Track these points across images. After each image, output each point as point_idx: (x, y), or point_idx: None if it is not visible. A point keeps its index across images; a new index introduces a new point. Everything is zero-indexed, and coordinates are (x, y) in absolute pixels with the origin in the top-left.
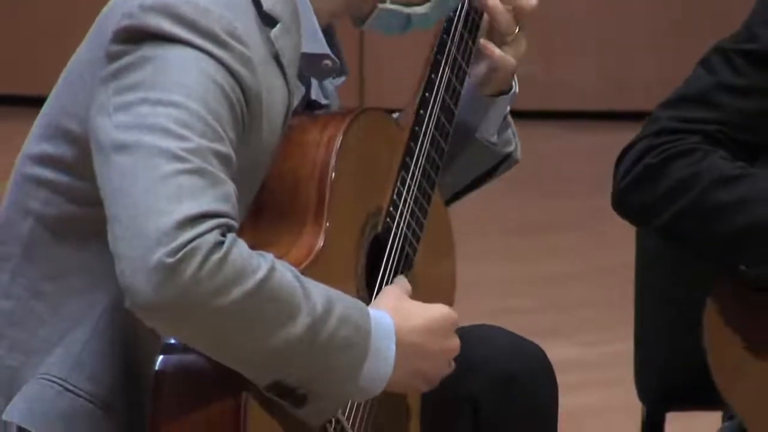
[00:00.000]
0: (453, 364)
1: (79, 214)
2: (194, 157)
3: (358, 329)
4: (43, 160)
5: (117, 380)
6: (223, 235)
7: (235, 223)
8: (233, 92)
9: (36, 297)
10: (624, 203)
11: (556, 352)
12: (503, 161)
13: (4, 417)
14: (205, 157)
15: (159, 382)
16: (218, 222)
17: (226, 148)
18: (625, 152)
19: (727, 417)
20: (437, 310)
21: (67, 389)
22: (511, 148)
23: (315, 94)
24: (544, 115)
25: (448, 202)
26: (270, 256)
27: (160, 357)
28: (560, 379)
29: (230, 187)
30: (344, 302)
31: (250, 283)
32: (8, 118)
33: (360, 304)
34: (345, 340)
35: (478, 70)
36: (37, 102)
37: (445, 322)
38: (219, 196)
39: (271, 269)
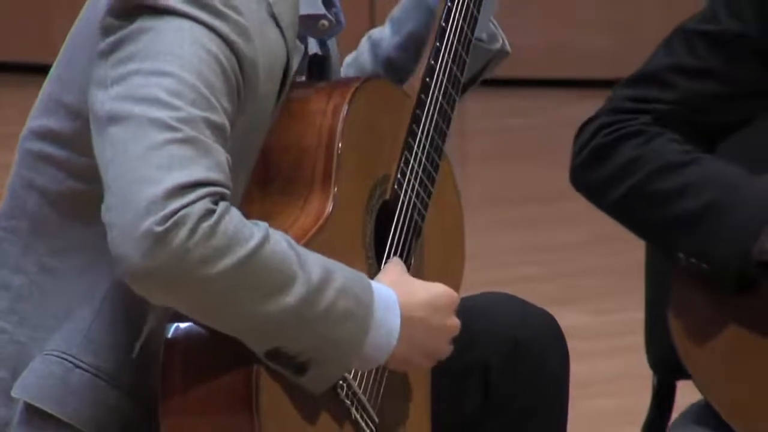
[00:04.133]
0: (451, 345)
1: (81, 191)
2: (185, 126)
3: (359, 301)
4: (45, 134)
5: (125, 355)
6: (215, 203)
7: (227, 192)
8: (228, 62)
9: (44, 272)
10: (577, 180)
11: (566, 320)
12: (492, 58)
13: (12, 394)
14: (197, 127)
15: (168, 351)
16: (209, 190)
17: (219, 118)
18: (582, 128)
19: None
20: (439, 288)
21: (76, 365)
22: (498, 44)
23: (313, 48)
24: (555, 84)
25: None
26: (264, 224)
27: (169, 326)
28: (570, 347)
29: (223, 156)
30: (344, 274)
31: (241, 251)
32: (19, 86)
33: (362, 276)
34: (344, 311)
35: None
36: (44, 70)
37: (447, 300)
38: (210, 165)
39: (265, 238)
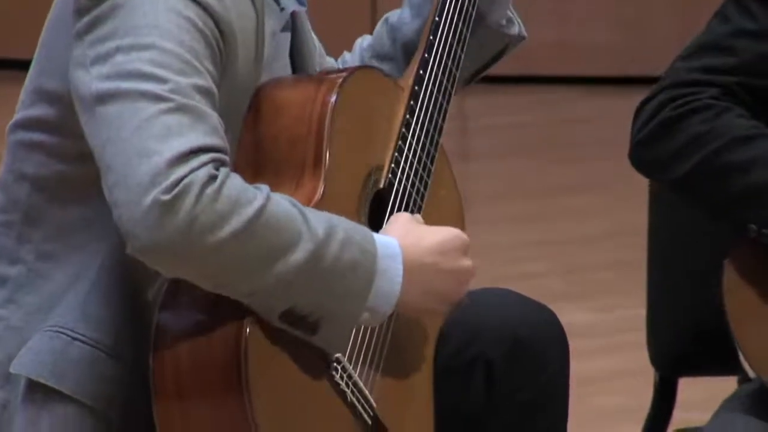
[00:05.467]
0: (467, 288)
1: (72, 172)
2: (175, 95)
3: (364, 251)
4: (31, 124)
5: (123, 327)
6: (217, 169)
7: (226, 157)
8: (206, 26)
9: (42, 258)
10: (639, 156)
11: (567, 317)
12: (510, 42)
13: (11, 370)
14: (187, 94)
15: (159, 332)
16: (210, 156)
17: (206, 82)
18: (643, 104)
19: (743, 380)
20: (448, 231)
21: (74, 338)
22: (515, 29)
23: (292, 6)
24: (559, 80)
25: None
26: (266, 187)
27: (159, 308)
28: (572, 343)
29: (216, 120)
30: (346, 226)
31: (247, 213)
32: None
33: (363, 227)
34: (350, 263)
35: None
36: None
37: (457, 243)
38: (206, 130)
39: (268, 199)
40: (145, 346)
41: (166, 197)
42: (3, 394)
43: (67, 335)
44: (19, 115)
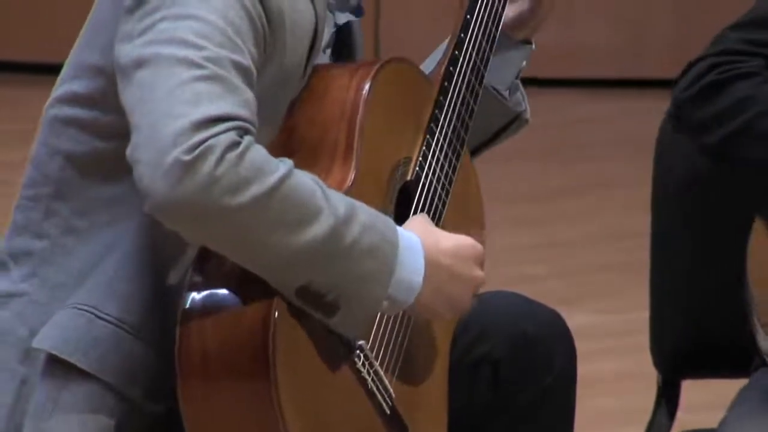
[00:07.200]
0: (474, 299)
1: (106, 150)
2: (212, 64)
3: (384, 238)
4: (70, 99)
5: (148, 307)
6: (241, 136)
7: (253, 128)
8: (254, 8)
9: (68, 233)
10: (681, 116)
11: (569, 319)
12: (513, 120)
13: (34, 344)
14: (223, 66)
15: (184, 320)
16: (235, 124)
17: (245, 60)
18: (689, 67)
19: (759, 366)
20: (464, 239)
21: (98, 317)
22: (521, 108)
23: (342, 19)
24: (562, 83)
25: None
26: (289, 161)
27: (186, 294)
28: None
29: (249, 95)
30: (368, 211)
31: (268, 181)
32: (25, 85)
33: (386, 217)
34: (370, 246)
35: (520, 8)
36: (51, 70)
37: (473, 251)
38: (237, 101)
39: (290, 170)
40: (171, 326)
41: (187, 157)
42: (23, 370)
43: (92, 313)
44: (60, 90)
